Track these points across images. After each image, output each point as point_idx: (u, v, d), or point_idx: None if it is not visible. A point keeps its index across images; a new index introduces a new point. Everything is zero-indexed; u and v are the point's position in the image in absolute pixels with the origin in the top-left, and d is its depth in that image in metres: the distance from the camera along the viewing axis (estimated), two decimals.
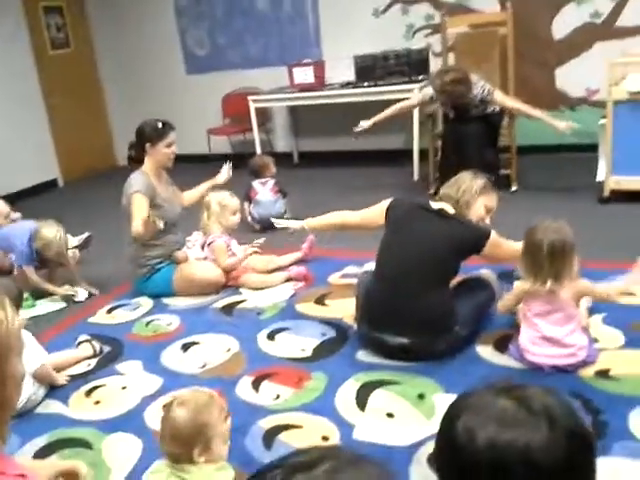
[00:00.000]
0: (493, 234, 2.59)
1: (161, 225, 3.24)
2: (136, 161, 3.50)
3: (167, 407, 1.75)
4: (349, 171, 5.98)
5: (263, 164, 4.61)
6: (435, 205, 2.68)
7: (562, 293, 2.32)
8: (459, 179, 2.78)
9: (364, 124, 4.77)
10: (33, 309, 3.49)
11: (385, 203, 2.79)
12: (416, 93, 4.79)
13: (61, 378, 2.68)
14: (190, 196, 3.77)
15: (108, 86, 7.48)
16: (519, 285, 2.47)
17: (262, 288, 3.47)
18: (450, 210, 2.66)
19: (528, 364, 2.40)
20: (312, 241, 3.78)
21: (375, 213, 2.82)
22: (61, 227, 3.55)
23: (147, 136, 3.40)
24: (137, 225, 3.19)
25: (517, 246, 2.51)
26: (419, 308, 2.47)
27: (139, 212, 3.25)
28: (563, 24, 5.40)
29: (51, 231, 3.49)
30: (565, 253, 2.30)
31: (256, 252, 3.56)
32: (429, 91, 4.59)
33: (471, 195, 2.69)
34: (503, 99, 4.44)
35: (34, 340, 2.60)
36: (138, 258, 3.43)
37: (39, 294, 3.62)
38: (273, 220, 3.44)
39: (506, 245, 2.64)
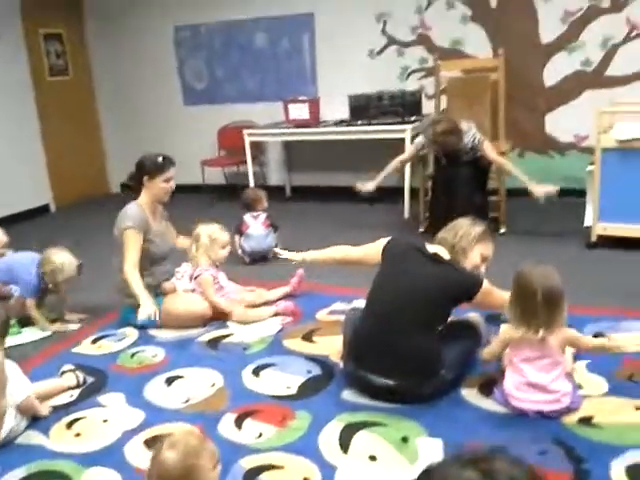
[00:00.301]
0: (485, 283, 2.60)
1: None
2: (134, 191, 3.52)
3: (158, 447, 1.74)
4: (341, 206, 6.03)
5: (256, 197, 4.64)
6: (431, 248, 2.68)
7: (551, 340, 2.33)
8: (457, 224, 2.78)
9: (369, 187, 4.75)
10: (19, 336, 3.46)
11: (383, 241, 2.81)
12: (411, 147, 4.84)
13: (44, 409, 2.64)
14: (183, 243, 3.77)
15: (104, 114, 7.55)
16: (506, 331, 2.47)
17: (249, 322, 3.46)
18: (445, 255, 2.66)
19: (512, 409, 2.40)
20: (301, 276, 3.80)
21: (374, 250, 2.83)
22: (68, 251, 3.54)
23: (146, 169, 3.43)
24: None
25: (507, 296, 2.51)
26: (407, 349, 2.47)
27: (132, 250, 3.29)
28: (554, 71, 5.54)
29: (62, 256, 3.47)
30: (558, 300, 2.31)
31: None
32: (421, 140, 4.67)
33: (468, 242, 2.70)
34: (490, 152, 4.50)
35: (19, 370, 2.57)
36: (126, 288, 3.42)
37: (25, 321, 3.59)
38: (275, 250, 3.48)
39: (497, 294, 2.64)
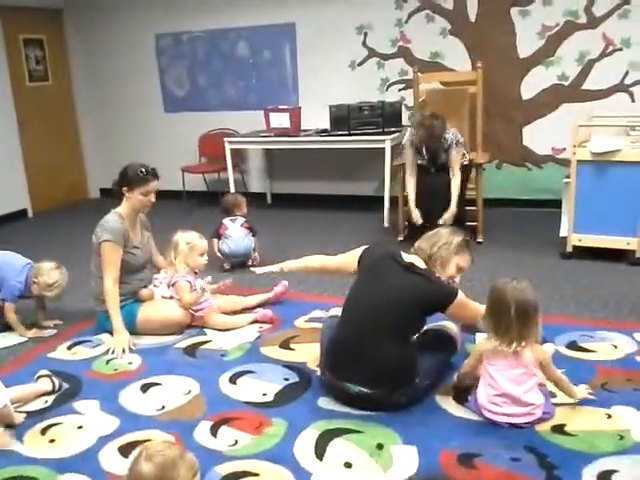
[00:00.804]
0: (460, 294, 2.62)
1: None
2: (116, 198, 3.47)
3: (134, 459, 1.72)
4: (321, 214, 6.06)
5: (235, 202, 4.65)
6: (407, 258, 2.69)
7: (525, 353, 2.35)
8: (436, 234, 2.78)
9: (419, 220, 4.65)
10: None
11: (359, 250, 2.83)
12: (407, 155, 4.75)
13: (18, 417, 2.61)
14: (162, 263, 3.71)
15: (84, 120, 7.51)
16: (481, 344, 2.49)
17: (227, 329, 3.46)
18: (421, 264, 2.67)
19: (485, 419, 2.43)
20: (286, 286, 3.81)
21: (351, 259, 2.85)
22: (63, 267, 3.52)
23: (127, 180, 3.38)
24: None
25: (481, 308, 2.56)
26: (381, 358, 2.48)
27: (111, 266, 3.30)
28: (531, 85, 5.63)
29: (57, 274, 3.45)
30: (532, 314, 2.34)
31: (220, 291, 3.56)
32: (407, 139, 4.71)
33: (447, 253, 2.71)
34: (455, 161, 4.56)
35: None
36: (101, 293, 3.40)
37: (3, 327, 3.55)
38: (254, 270, 3.44)
39: (471, 306, 2.68)
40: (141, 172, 3.36)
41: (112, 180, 3.51)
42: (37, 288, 3.45)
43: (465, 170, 4.79)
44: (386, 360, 2.48)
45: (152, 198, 3.43)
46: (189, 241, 3.53)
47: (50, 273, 3.44)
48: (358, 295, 2.67)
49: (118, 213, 3.43)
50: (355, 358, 2.52)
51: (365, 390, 2.49)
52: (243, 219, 4.58)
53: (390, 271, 2.63)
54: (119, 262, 3.34)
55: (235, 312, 3.62)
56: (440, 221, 4.40)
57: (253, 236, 4.57)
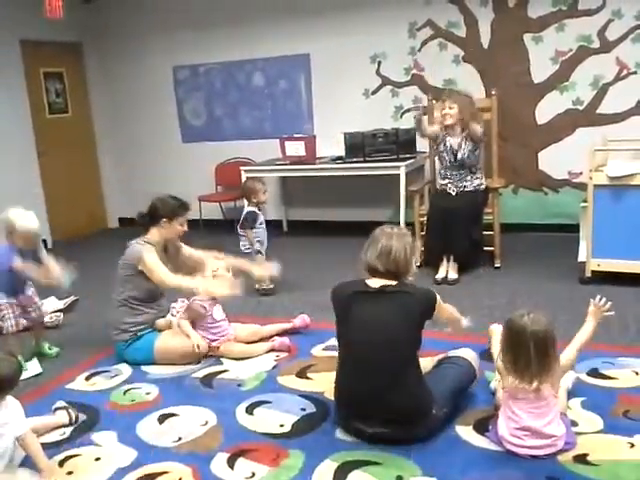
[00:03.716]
0: (437, 295, 2.58)
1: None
2: (144, 228, 3.55)
3: None
4: (337, 241, 6.06)
5: (252, 189, 4.61)
6: (374, 283, 2.54)
7: (546, 390, 2.31)
8: (384, 247, 2.54)
9: None
10: (25, 372, 3.42)
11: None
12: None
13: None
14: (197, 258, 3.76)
15: (103, 151, 7.63)
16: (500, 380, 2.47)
17: (244, 358, 3.45)
18: (391, 282, 2.53)
19: (507, 451, 2.39)
20: (305, 321, 3.82)
21: None
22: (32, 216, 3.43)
23: (166, 211, 3.50)
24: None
25: (451, 308, 2.70)
26: (392, 397, 2.41)
27: (161, 267, 3.40)
28: (546, 110, 5.63)
29: (29, 219, 3.37)
30: (550, 347, 2.29)
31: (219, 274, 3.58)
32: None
33: (407, 260, 2.55)
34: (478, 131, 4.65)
35: (19, 405, 2.49)
36: (122, 323, 3.43)
37: (29, 356, 3.57)
38: None
39: (444, 305, 2.65)
40: (180, 204, 3.54)
41: (137, 210, 3.61)
42: (19, 241, 3.33)
43: (482, 195, 4.79)
44: (399, 397, 2.41)
45: (186, 228, 3.59)
46: (215, 269, 3.55)
47: (24, 217, 3.36)
48: (347, 343, 2.55)
49: (147, 241, 3.49)
50: (367, 402, 2.46)
51: (383, 430, 2.45)
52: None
53: (369, 307, 2.50)
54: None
55: (252, 342, 3.62)
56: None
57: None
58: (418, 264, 4.78)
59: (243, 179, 6.09)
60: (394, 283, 2.53)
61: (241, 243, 4.59)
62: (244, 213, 4.62)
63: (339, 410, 2.65)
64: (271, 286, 4.56)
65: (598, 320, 2.54)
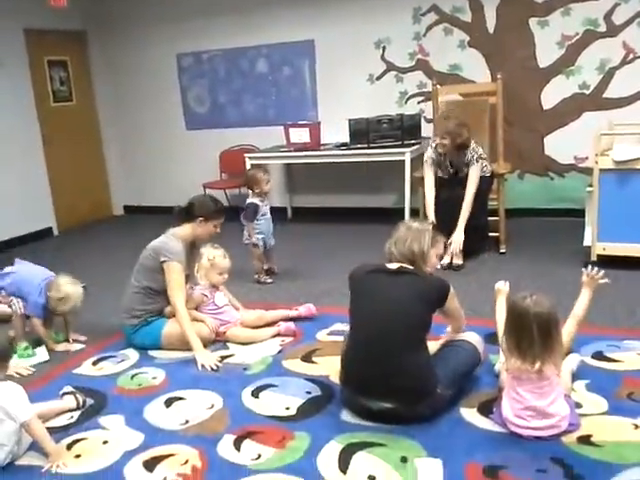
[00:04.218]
0: (451, 286, 2.62)
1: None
2: (178, 221, 3.58)
3: None
4: (342, 227, 6.07)
5: (253, 179, 4.52)
6: (392, 266, 2.64)
7: (548, 370, 2.32)
8: (403, 235, 2.67)
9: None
10: (33, 358, 3.47)
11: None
12: (426, 169, 4.78)
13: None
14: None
15: (107, 139, 7.64)
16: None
17: (250, 343, 3.47)
18: (408, 267, 2.62)
19: (511, 432, 2.40)
20: (310, 310, 3.82)
21: None
22: (79, 283, 3.56)
23: (205, 211, 3.53)
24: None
25: (459, 306, 2.74)
26: (401, 372, 2.45)
27: (181, 290, 3.39)
28: (552, 94, 5.60)
29: (69, 287, 3.50)
30: (553, 329, 2.30)
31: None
32: (430, 153, 4.74)
33: (426, 249, 2.64)
34: (473, 179, 4.56)
35: (23, 392, 2.49)
36: (133, 309, 3.46)
37: (38, 342, 3.61)
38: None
39: (456, 300, 2.70)
40: (219, 206, 3.58)
41: (176, 204, 3.67)
42: (52, 304, 3.50)
43: (487, 181, 4.77)
44: (405, 373, 2.45)
45: (219, 229, 3.61)
46: (211, 258, 3.57)
47: (60, 288, 3.49)
48: (361, 316, 2.61)
49: (178, 237, 3.50)
50: (372, 378, 2.49)
51: (387, 405, 2.48)
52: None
53: (384, 282, 2.59)
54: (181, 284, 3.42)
55: (258, 327, 3.64)
56: (448, 244, 4.35)
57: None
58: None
59: (247, 166, 6.09)
60: (411, 267, 2.61)
61: (244, 233, 4.58)
62: (246, 204, 4.59)
63: (345, 387, 2.67)
64: (269, 280, 4.55)
65: (593, 290, 2.57)
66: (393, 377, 2.46)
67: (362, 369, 2.53)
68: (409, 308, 2.50)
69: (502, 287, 2.85)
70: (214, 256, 3.58)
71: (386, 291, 2.56)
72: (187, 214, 3.56)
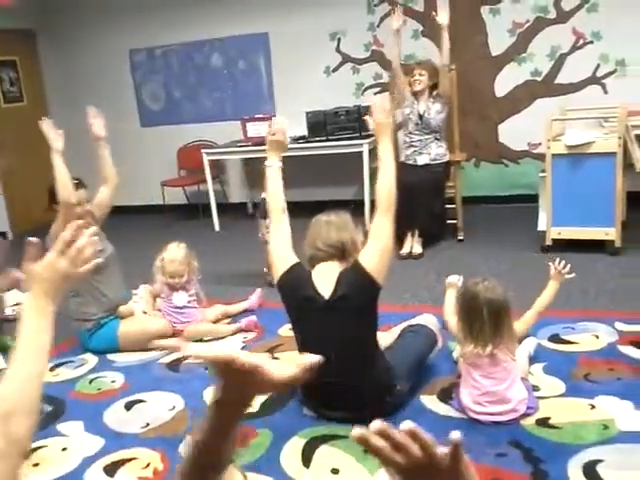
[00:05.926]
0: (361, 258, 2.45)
1: None
2: None
3: None
4: (303, 221, 5.97)
5: None
6: (322, 284, 2.46)
7: (501, 354, 2.35)
8: (328, 228, 2.59)
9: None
10: None
11: (285, 266, 2.62)
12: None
13: None
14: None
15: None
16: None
17: (210, 339, 3.45)
18: (335, 267, 2.48)
19: (470, 418, 2.43)
20: (260, 294, 3.81)
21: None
22: None
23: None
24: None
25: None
26: (356, 389, 2.41)
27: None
28: (505, 82, 5.67)
29: None
30: (503, 314, 2.34)
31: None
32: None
33: (356, 237, 2.57)
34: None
35: None
36: (81, 313, 3.40)
37: None
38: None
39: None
40: None
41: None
42: None
43: (444, 169, 4.81)
44: (365, 387, 2.41)
45: None
46: (162, 259, 3.52)
47: None
48: (311, 346, 2.36)
49: None
50: (332, 397, 2.45)
51: (349, 415, 2.41)
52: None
53: (321, 319, 2.44)
54: None
55: (219, 321, 3.62)
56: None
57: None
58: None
59: (205, 162, 6.03)
60: (338, 267, 2.47)
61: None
62: (259, 200, 4.41)
63: (306, 399, 2.64)
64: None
65: (560, 283, 2.61)
66: (351, 392, 2.41)
67: (321, 386, 2.39)
68: (352, 339, 2.40)
69: (454, 281, 2.87)
70: (163, 258, 3.53)
71: (324, 331, 2.41)
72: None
